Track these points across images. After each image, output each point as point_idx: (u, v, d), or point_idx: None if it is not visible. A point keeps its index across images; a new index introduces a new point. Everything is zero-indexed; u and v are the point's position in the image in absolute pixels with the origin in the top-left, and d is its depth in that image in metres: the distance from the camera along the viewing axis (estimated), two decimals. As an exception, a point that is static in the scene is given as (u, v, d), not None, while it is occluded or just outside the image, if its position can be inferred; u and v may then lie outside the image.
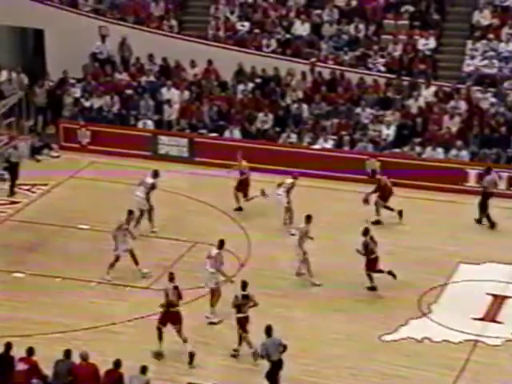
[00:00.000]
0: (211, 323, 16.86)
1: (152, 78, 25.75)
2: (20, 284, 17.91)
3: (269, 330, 15.07)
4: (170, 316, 15.68)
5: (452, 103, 23.76)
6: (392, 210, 20.57)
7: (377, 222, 20.30)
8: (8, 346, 14.12)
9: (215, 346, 16.21)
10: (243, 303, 15.83)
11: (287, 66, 25.25)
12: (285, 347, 14.93)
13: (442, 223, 20.51)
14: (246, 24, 26.57)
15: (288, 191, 20.28)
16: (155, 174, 20.09)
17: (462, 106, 23.67)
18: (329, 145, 23.67)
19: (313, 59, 25.36)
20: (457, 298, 17.70)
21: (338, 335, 16.57)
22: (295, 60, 25.38)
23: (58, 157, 24.26)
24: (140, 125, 24.76)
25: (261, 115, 24.44)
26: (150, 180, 19.97)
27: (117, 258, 18.10)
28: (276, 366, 14.96)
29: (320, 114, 24.42)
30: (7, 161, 22.30)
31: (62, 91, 25.47)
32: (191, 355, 15.63)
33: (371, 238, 17.93)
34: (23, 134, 24.46)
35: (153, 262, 18.83)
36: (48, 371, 14.30)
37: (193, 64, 25.71)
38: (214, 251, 17.12)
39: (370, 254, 17.81)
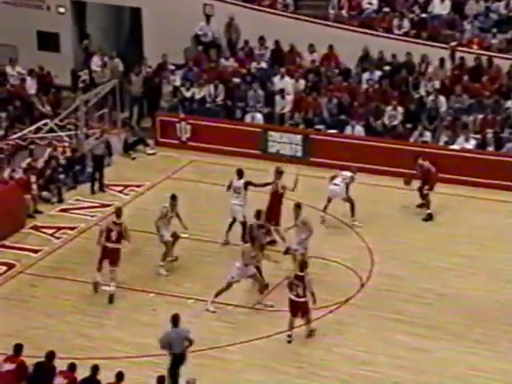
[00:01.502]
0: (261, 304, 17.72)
1: (263, 65, 25.98)
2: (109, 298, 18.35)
3: (175, 320, 15.44)
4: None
5: None
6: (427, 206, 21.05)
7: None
8: (95, 368, 14.48)
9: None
10: (296, 284, 16.66)
11: (422, 51, 25.01)
12: (190, 342, 15.28)
13: None
14: (374, 1, 26.48)
15: (347, 185, 20.55)
16: (240, 174, 19.97)
17: None
18: (470, 145, 23.28)
19: (453, 43, 25.00)
20: None
21: (478, 372, 16.26)
22: (432, 44, 25.11)
23: (153, 154, 24.78)
24: (248, 118, 25.01)
25: (389, 109, 24.28)
26: (238, 183, 19.88)
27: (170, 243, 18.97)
28: (177, 360, 15.16)
29: (461, 108, 24.05)
30: (92, 155, 22.95)
31: (160, 79, 26.01)
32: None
33: (261, 226, 18.40)
34: (116, 127, 25.13)
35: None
36: (138, 399, 14.67)
37: (310, 48, 25.79)
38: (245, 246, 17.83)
39: (255, 241, 18.08)
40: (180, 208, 20.15)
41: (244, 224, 19.65)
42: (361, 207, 21.25)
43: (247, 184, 19.81)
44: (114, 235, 18.14)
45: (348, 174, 20.81)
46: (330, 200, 20.83)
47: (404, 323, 17.52)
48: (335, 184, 20.76)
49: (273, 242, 19.74)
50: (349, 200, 20.75)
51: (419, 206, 21.42)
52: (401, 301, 18.22)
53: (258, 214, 18.56)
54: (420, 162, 21.34)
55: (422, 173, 21.26)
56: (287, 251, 18.98)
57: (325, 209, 20.90)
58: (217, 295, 17.84)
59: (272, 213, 19.56)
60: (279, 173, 19.95)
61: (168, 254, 19.16)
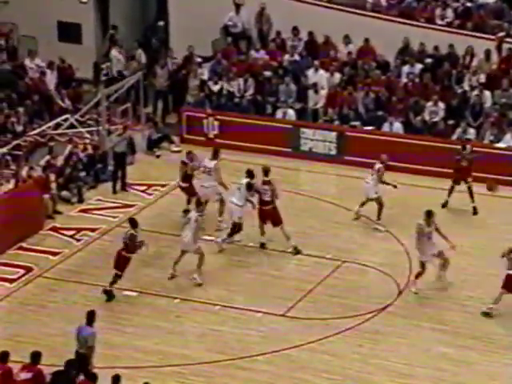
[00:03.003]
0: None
1: (295, 57, 25.98)
2: (131, 304, 18.45)
3: (90, 317, 15.50)
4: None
5: None
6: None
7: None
8: (116, 378, 14.54)
9: None
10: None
11: (466, 43, 24.90)
12: (90, 348, 15.16)
13: None
14: (415, -10, 26.46)
15: (379, 179, 20.51)
16: (250, 174, 20.01)
17: None
18: (518, 143, 23.19)
19: (501, 33, 24.86)
20: None
21: (524, 388, 16.23)
22: (477, 35, 24.98)
23: (179, 151, 24.80)
24: (279, 114, 25.03)
25: (429, 104, 24.20)
26: (244, 180, 19.93)
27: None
28: (80, 360, 15.02)
29: (507, 103, 23.91)
30: (114, 152, 23.04)
31: (187, 72, 26.08)
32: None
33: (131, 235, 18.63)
34: (140, 123, 25.24)
35: (290, 284, 19.00)
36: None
37: (346, 40, 25.76)
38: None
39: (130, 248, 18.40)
40: (207, 209, 20.24)
41: (235, 225, 19.77)
42: (399, 209, 21.21)
43: (250, 186, 19.79)
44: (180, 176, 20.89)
45: (377, 166, 20.77)
46: (367, 199, 20.89)
47: (445, 333, 17.45)
48: (366, 182, 20.80)
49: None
50: (376, 200, 20.69)
51: (444, 206, 21.47)
52: (442, 309, 18.17)
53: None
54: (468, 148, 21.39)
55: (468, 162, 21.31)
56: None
57: (362, 205, 20.92)
58: (417, 277, 18.44)
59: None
60: (265, 172, 20.07)
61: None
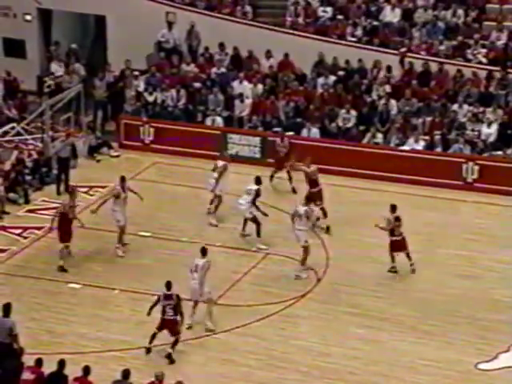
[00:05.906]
0: (298, 277, 18.57)
1: (222, 70, 26.00)
2: (75, 296, 18.29)
3: (8, 309, 15.30)
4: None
5: None
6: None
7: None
8: (61, 363, 14.41)
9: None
10: (396, 225, 18.41)
11: (374, 57, 25.18)
12: (13, 335, 14.91)
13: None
14: (329, 10, 26.61)
15: (220, 176, 20.69)
16: (258, 181, 20.09)
17: None
18: (420, 146, 23.48)
19: (403, 49, 25.20)
20: None
21: (427, 362, 16.40)
22: (383, 50, 25.29)
23: (117, 156, 24.70)
24: (208, 122, 25.02)
25: (343, 112, 24.42)
26: (254, 186, 19.92)
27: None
28: (7, 348, 14.86)
29: (410, 111, 24.26)
30: (57, 157, 22.79)
31: (124, 84, 25.93)
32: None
33: None
34: (81, 130, 25.01)
35: (220, 274, 19.00)
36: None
37: (268, 54, 25.86)
38: (302, 209, 18.38)
39: None
40: (143, 207, 20.15)
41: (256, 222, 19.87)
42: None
43: (258, 192, 19.77)
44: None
45: (220, 162, 20.93)
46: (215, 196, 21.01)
47: (358, 316, 17.62)
48: (212, 178, 20.83)
49: None
50: (217, 197, 20.77)
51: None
52: (355, 295, 18.33)
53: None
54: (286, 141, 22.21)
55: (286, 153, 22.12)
56: None
57: (211, 202, 21.02)
58: (302, 263, 18.52)
59: None
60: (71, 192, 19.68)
61: (122, 237, 19.51)
